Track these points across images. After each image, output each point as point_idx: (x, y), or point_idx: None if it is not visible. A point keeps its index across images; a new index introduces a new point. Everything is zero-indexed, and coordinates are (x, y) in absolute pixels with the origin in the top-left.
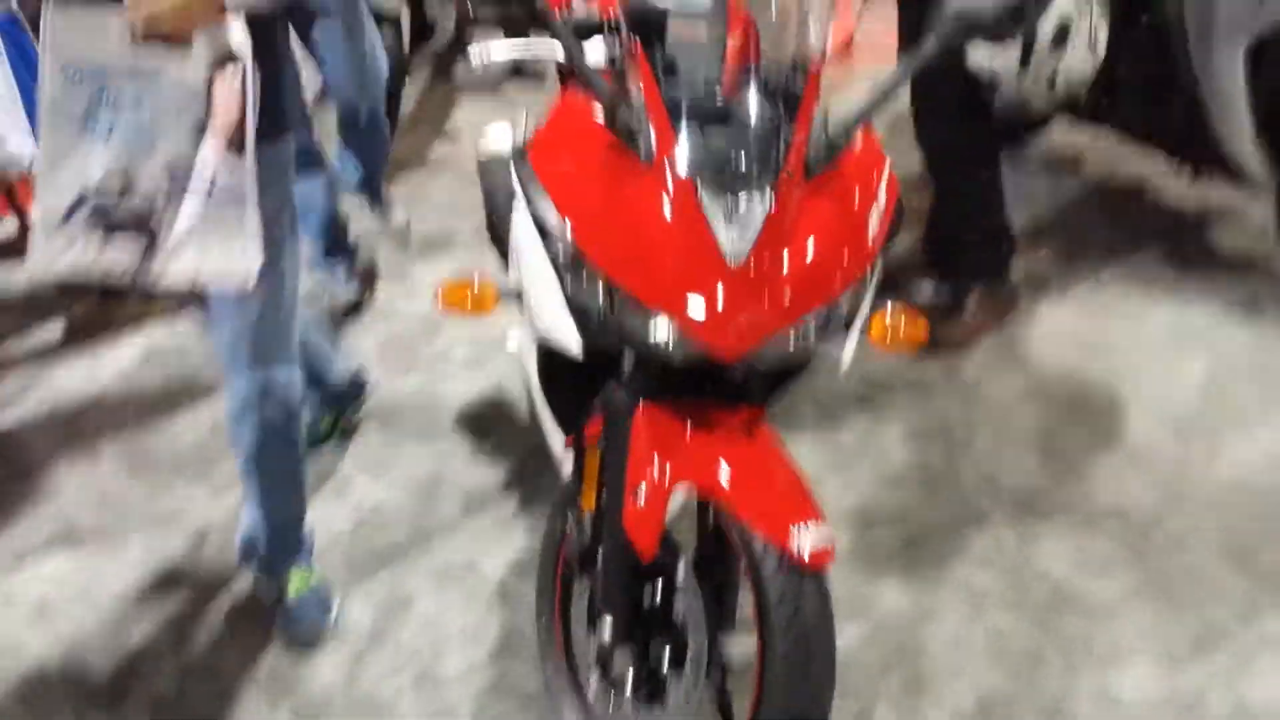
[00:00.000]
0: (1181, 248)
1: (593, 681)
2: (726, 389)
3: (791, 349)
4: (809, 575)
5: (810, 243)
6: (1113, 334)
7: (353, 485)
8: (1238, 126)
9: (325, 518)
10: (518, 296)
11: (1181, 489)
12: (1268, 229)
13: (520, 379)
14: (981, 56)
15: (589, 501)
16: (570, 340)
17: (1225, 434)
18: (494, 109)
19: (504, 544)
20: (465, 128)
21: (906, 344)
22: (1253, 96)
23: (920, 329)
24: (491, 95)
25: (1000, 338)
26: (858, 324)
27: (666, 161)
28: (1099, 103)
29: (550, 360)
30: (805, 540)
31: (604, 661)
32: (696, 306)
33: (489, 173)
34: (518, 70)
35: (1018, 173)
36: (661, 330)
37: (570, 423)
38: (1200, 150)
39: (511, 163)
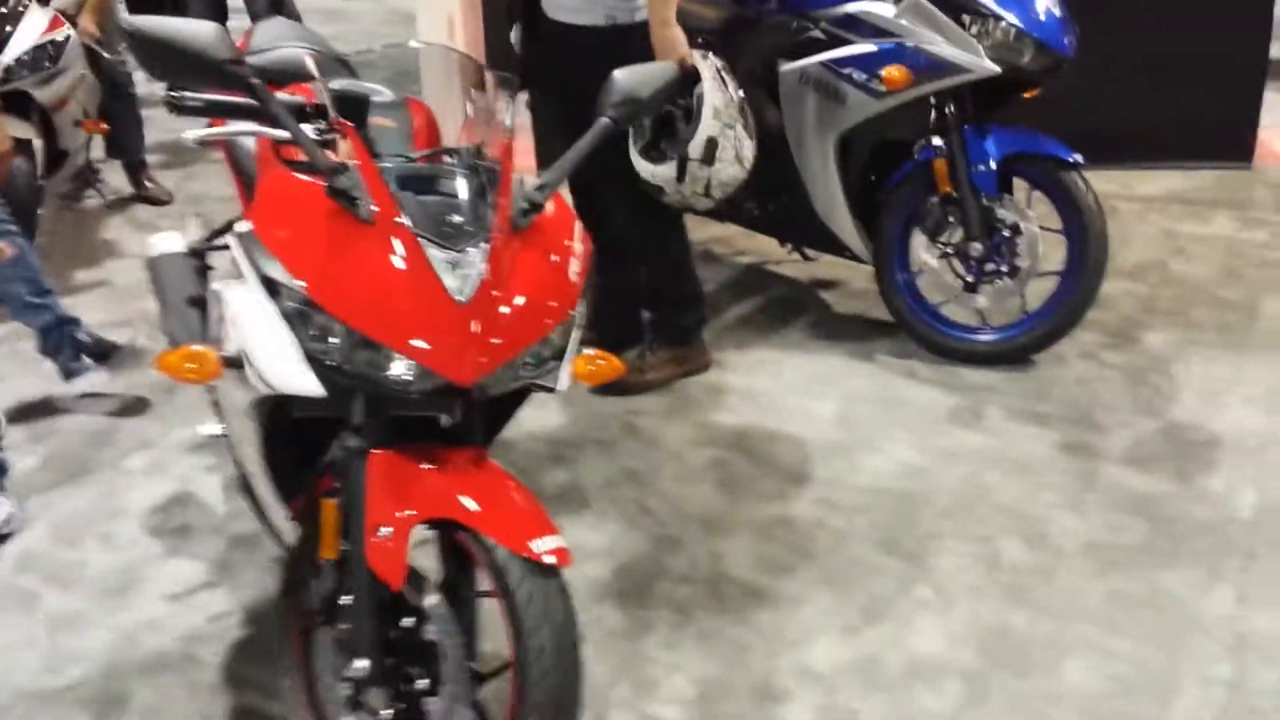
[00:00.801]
0: (805, 313)
1: None
2: (451, 432)
3: (518, 375)
4: (552, 577)
5: (525, 285)
6: (759, 384)
7: (40, 598)
8: (836, 209)
9: (12, 633)
10: (234, 365)
11: (833, 498)
12: (869, 291)
13: (230, 460)
14: (644, 170)
15: (329, 550)
16: (310, 385)
17: (860, 453)
18: (126, 229)
19: (219, 633)
20: (101, 249)
21: (605, 378)
22: (844, 182)
23: (616, 367)
24: (121, 216)
25: (668, 396)
26: (569, 356)
27: (391, 221)
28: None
29: (272, 429)
30: (544, 545)
31: (359, 703)
32: (434, 341)
33: (162, 273)
34: (143, 198)
35: None
36: (401, 366)
37: (292, 488)
38: (809, 234)
39: (233, 245)
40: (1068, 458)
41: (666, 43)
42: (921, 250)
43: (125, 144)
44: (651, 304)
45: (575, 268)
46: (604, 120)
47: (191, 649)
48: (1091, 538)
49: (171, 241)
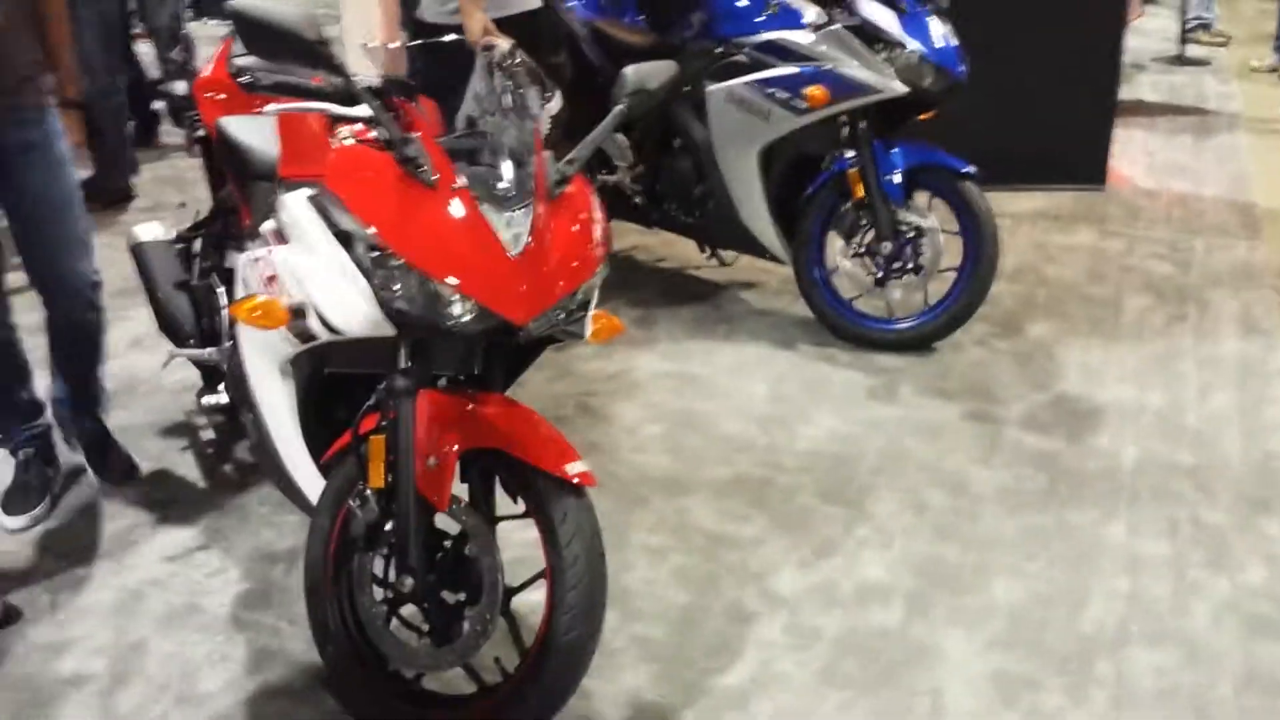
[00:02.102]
0: (729, 310)
1: (393, 641)
2: (480, 379)
3: (554, 321)
4: (581, 495)
5: (560, 244)
6: (695, 370)
7: (35, 564)
8: (759, 215)
9: (14, 596)
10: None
11: (777, 460)
12: (784, 290)
13: (241, 423)
14: None
15: (377, 480)
16: (381, 325)
17: (794, 424)
18: None
19: (221, 586)
20: None
21: (610, 334)
22: (766, 190)
23: (616, 326)
24: None
25: (614, 382)
26: (591, 309)
27: (451, 184)
28: (647, 207)
29: (306, 386)
30: (575, 468)
31: (400, 621)
32: (493, 285)
33: (147, 259)
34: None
35: None
36: (463, 306)
37: (324, 440)
38: (733, 238)
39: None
40: (973, 424)
41: (468, 25)
42: (836, 251)
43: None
44: None
45: (598, 233)
46: (619, 107)
47: (197, 601)
48: (1002, 485)
49: (152, 230)
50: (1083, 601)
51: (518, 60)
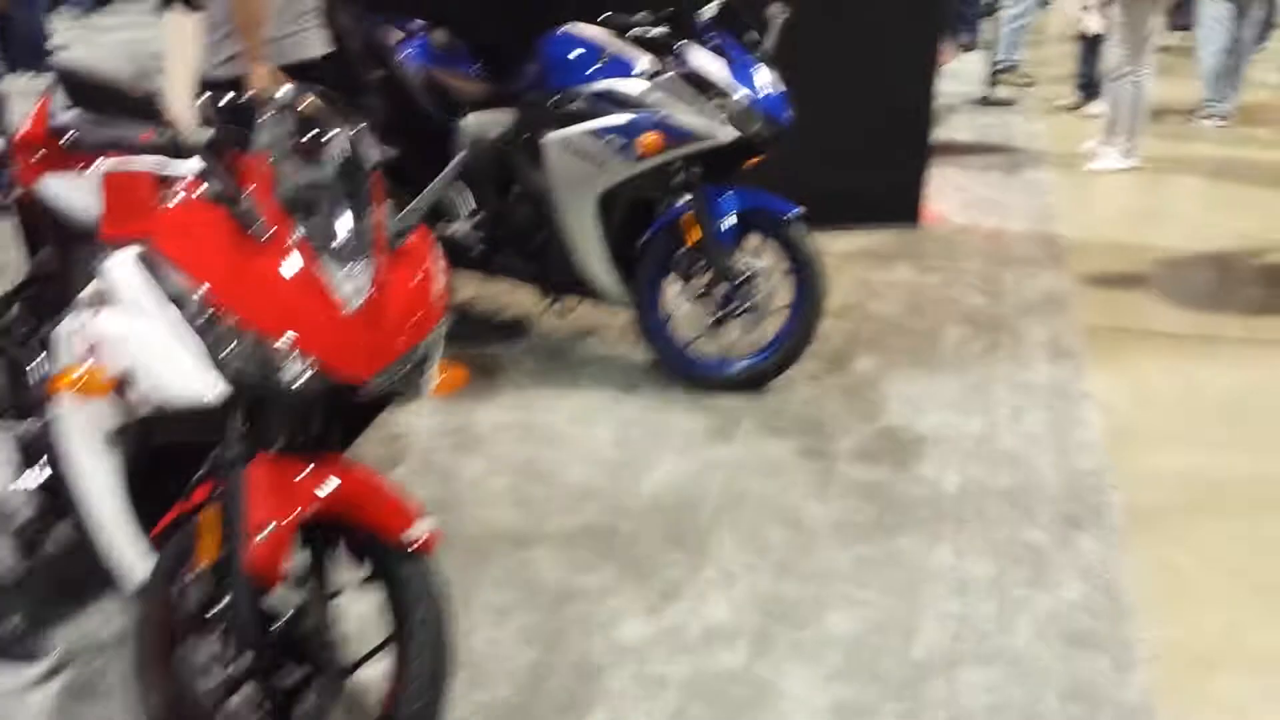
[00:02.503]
0: (571, 356)
1: None
2: (317, 440)
3: (394, 379)
4: (425, 558)
5: (400, 299)
6: (538, 419)
7: None
8: (597, 260)
9: None
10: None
11: (621, 506)
12: (626, 336)
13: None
14: None
15: (209, 555)
16: (216, 390)
17: (638, 469)
18: None
19: (46, 679)
20: None
21: (452, 385)
22: (604, 236)
23: (461, 375)
24: None
25: (454, 436)
26: (434, 362)
27: (287, 239)
28: (487, 255)
29: (135, 458)
30: (418, 532)
31: (232, 705)
32: (331, 343)
33: None
34: None
35: None
36: (300, 367)
37: (152, 514)
38: (572, 283)
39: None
40: (807, 460)
41: (246, 78)
42: (674, 294)
43: None
44: None
45: (439, 285)
46: (460, 156)
47: (16, 699)
48: (835, 519)
49: None
50: (915, 627)
51: (305, 106)
